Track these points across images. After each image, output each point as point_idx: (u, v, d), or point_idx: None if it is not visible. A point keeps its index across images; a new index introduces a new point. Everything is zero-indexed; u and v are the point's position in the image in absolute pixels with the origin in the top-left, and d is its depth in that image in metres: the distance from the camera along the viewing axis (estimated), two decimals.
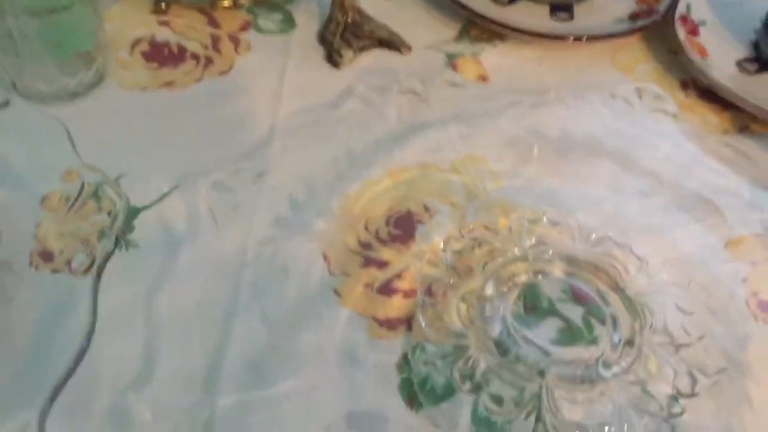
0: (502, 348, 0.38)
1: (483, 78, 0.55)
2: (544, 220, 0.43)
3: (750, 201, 0.49)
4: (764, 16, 0.57)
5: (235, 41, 0.55)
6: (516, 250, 0.42)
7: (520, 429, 0.36)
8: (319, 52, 0.56)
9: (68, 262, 0.40)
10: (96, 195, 0.43)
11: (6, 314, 0.38)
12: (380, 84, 0.53)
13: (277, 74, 0.53)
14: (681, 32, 0.57)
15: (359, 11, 0.56)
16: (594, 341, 0.39)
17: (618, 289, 0.41)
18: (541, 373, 0.37)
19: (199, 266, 0.41)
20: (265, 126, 0.49)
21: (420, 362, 0.38)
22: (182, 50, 0.54)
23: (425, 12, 0.60)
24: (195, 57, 0.53)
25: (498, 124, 0.51)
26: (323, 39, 0.56)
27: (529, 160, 0.49)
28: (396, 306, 0.41)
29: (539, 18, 0.59)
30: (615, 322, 0.39)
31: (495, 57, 0.57)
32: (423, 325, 0.38)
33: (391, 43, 0.56)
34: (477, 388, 0.36)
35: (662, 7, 0.60)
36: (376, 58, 0.56)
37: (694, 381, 0.37)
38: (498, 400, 0.36)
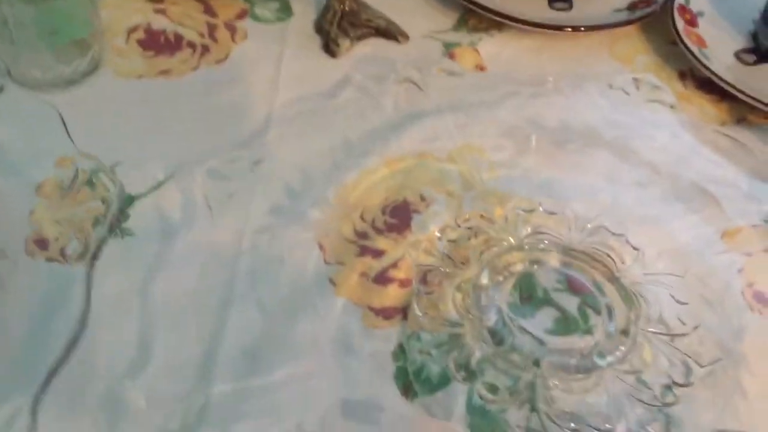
0: (497, 337, 0.38)
1: (480, 67, 0.55)
2: (540, 209, 0.44)
3: (747, 192, 0.49)
4: (763, 7, 0.57)
5: (232, 29, 0.55)
6: (512, 240, 0.42)
7: (514, 418, 0.36)
8: (315, 40, 0.55)
9: (62, 249, 0.40)
10: (90, 182, 0.43)
11: (0, 301, 0.38)
12: (377, 73, 0.53)
13: (274, 63, 0.53)
14: (680, 23, 0.57)
15: (356, 0, 0.56)
16: (589, 331, 0.39)
17: (614, 279, 0.41)
18: (536, 363, 0.37)
19: (194, 254, 0.41)
20: (261, 114, 0.49)
21: (415, 351, 0.38)
22: (179, 38, 0.53)
23: (423, 1, 0.60)
24: (191, 45, 0.53)
25: (495, 113, 0.51)
26: (320, 28, 0.56)
27: (526, 150, 0.49)
28: (391, 295, 0.41)
29: (538, 8, 0.59)
30: (610, 311, 0.40)
31: (493, 46, 0.57)
32: (418, 314, 0.38)
33: (389, 32, 0.56)
34: (472, 377, 0.36)
35: None
36: (373, 47, 0.56)
37: (688, 371, 0.37)
38: (493, 389, 0.36)
